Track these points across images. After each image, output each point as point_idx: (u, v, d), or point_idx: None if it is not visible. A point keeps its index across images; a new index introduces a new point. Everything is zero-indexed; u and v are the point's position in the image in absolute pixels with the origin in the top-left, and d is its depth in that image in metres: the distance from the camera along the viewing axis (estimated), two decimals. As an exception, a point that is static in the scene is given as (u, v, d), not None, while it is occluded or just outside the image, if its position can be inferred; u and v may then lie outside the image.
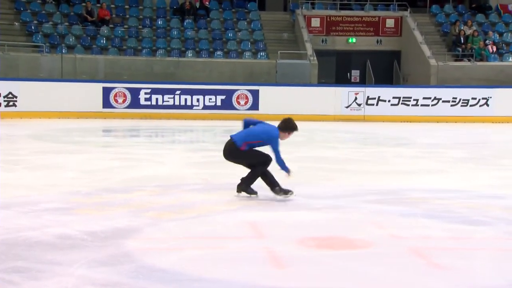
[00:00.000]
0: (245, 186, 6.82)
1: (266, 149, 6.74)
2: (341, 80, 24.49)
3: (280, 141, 6.71)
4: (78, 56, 21.21)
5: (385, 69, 25.04)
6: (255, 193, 6.83)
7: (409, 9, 25.23)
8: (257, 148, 6.80)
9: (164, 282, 4.04)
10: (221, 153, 6.92)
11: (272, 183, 6.77)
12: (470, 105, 19.89)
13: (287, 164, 6.72)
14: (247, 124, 7.00)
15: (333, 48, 25.03)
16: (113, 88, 19.24)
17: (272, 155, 6.71)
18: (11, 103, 18.45)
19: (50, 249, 4.73)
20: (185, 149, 12.79)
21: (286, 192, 6.76)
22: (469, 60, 22.96)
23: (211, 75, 21.36)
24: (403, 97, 19.88)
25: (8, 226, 5.38)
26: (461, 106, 19.90)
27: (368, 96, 19.75)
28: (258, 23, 24.69)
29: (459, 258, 4.69)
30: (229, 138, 6.86)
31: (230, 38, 23.73)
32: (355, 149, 12.94)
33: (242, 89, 19.52)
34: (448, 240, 5.32)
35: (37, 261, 4.41)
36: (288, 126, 6.75)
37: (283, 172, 6.75)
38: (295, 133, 6.82)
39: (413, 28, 24.27)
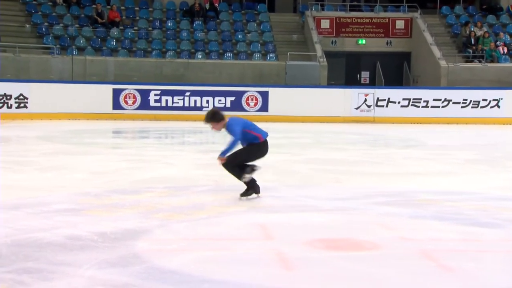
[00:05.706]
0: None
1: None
2: (351, 81, 24.46)
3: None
4: (88, 58, 21.30)
5: (395, 71, 24.99)
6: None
7: (419, 10, 25.15)
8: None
9: (174, 283, 4.06)
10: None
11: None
12: (481, 107, 19.81)
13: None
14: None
15: (342, 50, 25.01)
16: (123, 89, 19.30)
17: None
18: (22, 105, 18.55)
19: (60, 250, 4.75)
20: (194, 150, 12.81)
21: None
22: (479, 62, 22.87)
23: (220, 77, 21.39)
24: (413, 99, 19.83)
25: (18, 227, 5.41)
26: (472, 107, 19.82)
27: (378, 98, 19.71)
28: (267, 25, 24.71)
29: (469, 260, 4.67)
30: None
31: (240, 40, 23.76)
32: (364, 150, 12.92)
33: (252, 91, 19.53)
34: (458, 242, 5.30)
35: (48, 262, 4.43)
36: None
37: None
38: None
39: (423, 29, 24.21)
